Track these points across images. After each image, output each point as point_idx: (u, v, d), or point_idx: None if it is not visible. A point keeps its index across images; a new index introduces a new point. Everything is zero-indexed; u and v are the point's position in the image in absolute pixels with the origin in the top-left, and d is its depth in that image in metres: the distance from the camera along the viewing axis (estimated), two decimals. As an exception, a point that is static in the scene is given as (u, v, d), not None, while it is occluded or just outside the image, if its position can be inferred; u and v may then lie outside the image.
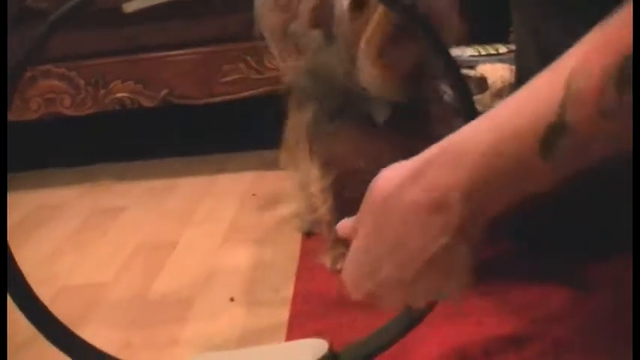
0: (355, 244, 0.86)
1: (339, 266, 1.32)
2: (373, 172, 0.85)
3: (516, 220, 1.27)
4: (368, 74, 1.19)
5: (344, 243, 1.23)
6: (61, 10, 0.96)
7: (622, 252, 1.16)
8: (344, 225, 0.91)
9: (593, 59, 0.64)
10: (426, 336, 1.08)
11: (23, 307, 0.95)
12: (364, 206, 0.84)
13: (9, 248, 0.96)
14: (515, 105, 0.71)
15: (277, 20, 1.23)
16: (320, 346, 0.99)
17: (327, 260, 1.37)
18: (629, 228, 0.83)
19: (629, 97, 0.60)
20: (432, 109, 1.26)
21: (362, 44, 1.17)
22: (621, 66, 0.61)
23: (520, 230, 1.30)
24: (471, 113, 0.94)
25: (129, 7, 1.07)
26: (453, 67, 0.98)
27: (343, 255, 1.22)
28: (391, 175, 0.80)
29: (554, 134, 0.66)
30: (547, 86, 0.68)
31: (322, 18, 1.22)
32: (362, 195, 0.87)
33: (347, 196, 1.35)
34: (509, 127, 0.69)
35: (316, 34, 1.25)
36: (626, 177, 0.72)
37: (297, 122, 1.40)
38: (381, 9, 1.13)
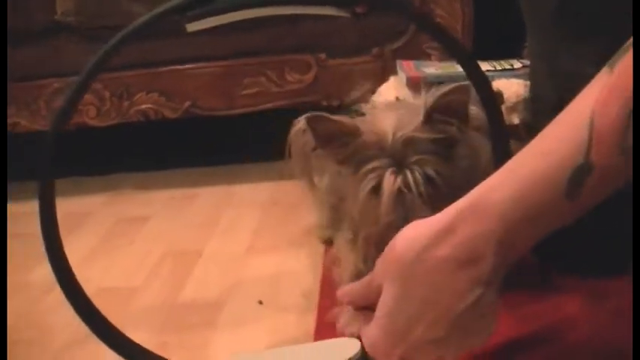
0: (380, 309, 0.85)
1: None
2: None
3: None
4: (361, 262, 1.21)
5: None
6: (133, 25, 1.01)
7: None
8: (349, 292, 0.94)
9: (611, 100, 0.67)
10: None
11: (78, 309, 1.01)
12: (385, 268, 0.85)
13: (65, 255, 1.02)
14: (539, 148, 0.73)
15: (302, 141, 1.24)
16: (352, 345, 1.02)
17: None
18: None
19: None
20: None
21: (360, 238, 1.19)
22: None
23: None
24: (499, 127, 0.99)
25: (192, 27, 1.12)
26: (483, 80, 1.02)
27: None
28: (415, 235, 0.81)
29: (581, 175, 0.69)
30: (570, 129, 0.70)
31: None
32: None
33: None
34: (535, 173, 0.72)
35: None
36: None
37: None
38: (383, 224, 1.13)
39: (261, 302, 1.40)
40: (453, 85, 1.14)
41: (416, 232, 0.81)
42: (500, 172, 0.77)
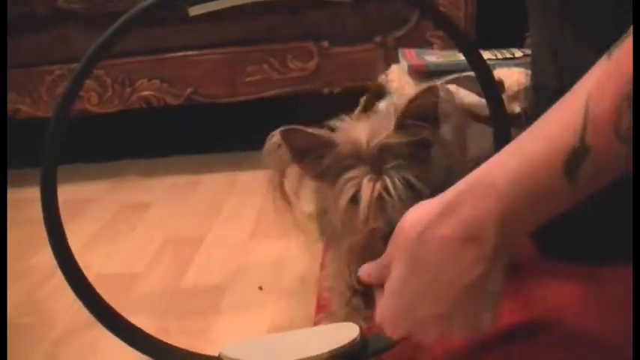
0: (388, 287, 0.88)
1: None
2: None
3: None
4: (347, 272, 1.21)
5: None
6: (136, 9, 1.02)
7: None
8: (367, 271, 0.96)
9: (608, 85, 0.69)
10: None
11: (79, 294, 1.03)
12: (393, 249, 0.87)
13: (67, 241, 1.02)
14: (538, 132, 0.75)
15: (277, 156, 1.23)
16: (352, 330, 1.04)
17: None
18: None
19: None
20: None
21: (344, 248, 1.19)
22: (634, 90, 0.66)
23: (538, 231, 1.34)
24: (500, 115, 1.00)
25: (194, 12, 1.12)
26: (485, 69, 1.02)
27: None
28: (419, 215, 0.84)
29: (577, 157, 0.70)
30: (567, 113, 0.72)
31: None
32: None
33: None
34: (534, 154, 0.74)
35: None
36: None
37: None
38: (365, 231, 1.13)
39: (261, 288, 1.41)
40: (422, 87, 1.14)
41: (420, 213, 0.83)
42: (500, 154, 0.79)
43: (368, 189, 1.12)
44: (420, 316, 0.85)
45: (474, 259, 0.79)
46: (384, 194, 1.12)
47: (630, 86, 0.66)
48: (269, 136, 1.18)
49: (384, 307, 0.89)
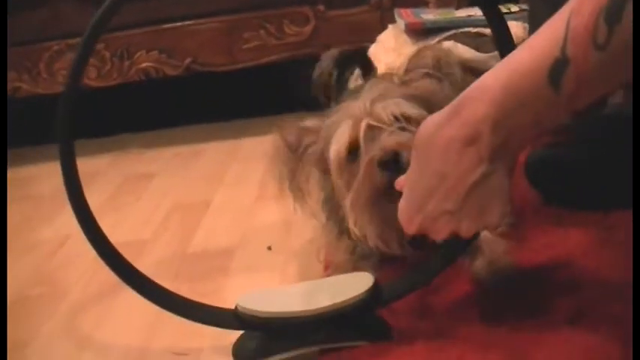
0: (406, 184, 0.95)
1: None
2: None
3: (539, 172, 1.34)
4: (352, 229, 1.17)
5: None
6: None
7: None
8: (399, 182, 1.00)
9: (586, 0, 0.73)
10: (457, 275, 1.15)
11: (108, 262, 1.07)
12: (412, 152, 0.93)
13: (95, 217, 1.06)
14: (526, 45, 0.81)
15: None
16: (367, 279, 1.05)
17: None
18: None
19: (619, 28, 0.69)
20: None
21: (347, 201, 1.16)
22: (609, 4, 0.70)
23: (542, 181, 1.36)
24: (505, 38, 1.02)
25: None
26: (501, 22, 1.03)
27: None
28: (432, 120, 0.89)
29: (559, 67, 0.76)
30: (552, 27, 0.77)
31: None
32: None
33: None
34: (522, 64, 0.80)
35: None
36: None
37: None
38: (366, 168, 1.12)
39: (270, 248, 1.43)
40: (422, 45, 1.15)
41: (434, 118, 0.89)
42: (497, 64, 0.84)
43: (361, 126, 1.13)
44: (430, 212, 0.91)
45: (475, 160, 0.85)
46: (377, 124, 1.12)
47: (605, 1, 0.71)
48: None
49: (401, 203, 0.96)
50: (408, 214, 0.95)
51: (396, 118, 1.12)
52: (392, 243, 1.17)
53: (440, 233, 0.94)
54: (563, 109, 0.80)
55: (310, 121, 1.23)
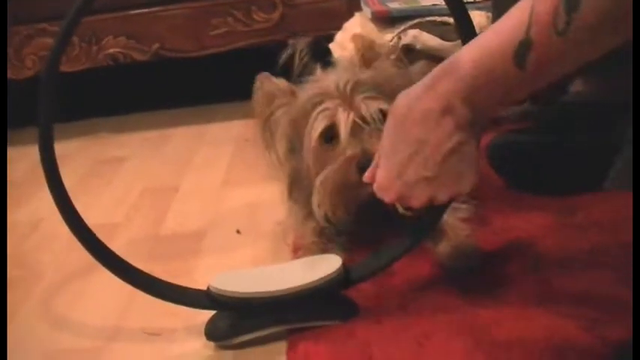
0: (381, 154, 1.00)
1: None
2: None
3: (502, 157, 1.38)
4: (316, 209, 1.23)
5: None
6: None
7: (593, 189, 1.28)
8: (369, 174, 1.05)
9: None
10: (421, 257, 1.20)
11: (84, 243, 1.10)
12: (387, 123, 0.98)
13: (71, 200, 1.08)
14: (496, 27, 0.87)
15: (261, 111, 1.30)
16: (334, 260, 1.10)
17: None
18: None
19: (576, 16, 0.75)
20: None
21: (317, 182, 1.21)
22: None
23: (504, 166, 1.42)
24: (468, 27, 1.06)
25: None
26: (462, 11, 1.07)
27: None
28: (407, 93, 0.95)
29: (523, 48, 0.82)
30: (518, 12, 0.83)
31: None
32: None
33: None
34: (490, 44, 0.86)
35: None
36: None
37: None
38: (342, 159, 1.18)
39: (239, 231, 1.46)
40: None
41: (408, 93, 0.95)
42: (470, 42, 0.91)
43: (343, 117, 1.19)
44: (409, 179, 0.97)
45: (451, 127, 0.92)
46: (360, 122, 1.18)
47: None
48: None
49: (379, 174, 1.01)
50: (387, 182, 0.99)
51: (378, 117, 1.18)
52: (350, 224, 1.26)
53: (418, 199, 0.99)
54: (528, 86, 0.87)
55: (283, 83, 1.28)
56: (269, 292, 1.07)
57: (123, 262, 1.12)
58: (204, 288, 1.10)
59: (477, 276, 1.15)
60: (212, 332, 1.10)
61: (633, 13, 0.72)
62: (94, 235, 1.11)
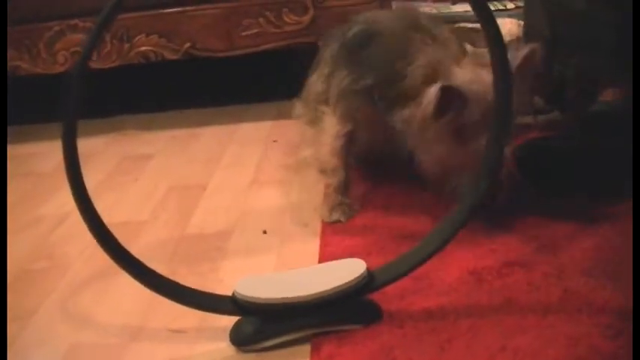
0: None
1: (334, 217, 1.45)
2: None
3: (530, 163, 1.38)
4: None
5: (341, 192, 1.36)
6: None
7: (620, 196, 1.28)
8: None
9: None
10: (446, 262, 1.21)
11: (103, 245, 1.09)
12: None
13: (90, 200, 1.08)
14: None
15: None
16: (358, 265, 1.10)
17: (324, 213, 1.48)
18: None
19: None
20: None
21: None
22: None
23: (532, 172, 1.41)
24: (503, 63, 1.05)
25: None
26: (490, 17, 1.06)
27: (340, 206, 1.41)
28: None
29: None
30: None
31: None
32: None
33: (354, 150, 1.50)
34: None
35: None
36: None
37: (320, 79, 1.53)
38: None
39: (265, 232, 1.46)
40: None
41: None
42: None
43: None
44: None
45: None
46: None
47: None
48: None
49: None
50: None
51: None
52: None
53: None
54: None
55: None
56: (294, 297, 1.07)
57: (144, 266, 1.12)
58: (229, 287, 1.10)
59: (501, 282, 1.16)
60: (236, 338, 1.10)
61: (633, 13, 0.71)
62: (114, 238, 1.11)
